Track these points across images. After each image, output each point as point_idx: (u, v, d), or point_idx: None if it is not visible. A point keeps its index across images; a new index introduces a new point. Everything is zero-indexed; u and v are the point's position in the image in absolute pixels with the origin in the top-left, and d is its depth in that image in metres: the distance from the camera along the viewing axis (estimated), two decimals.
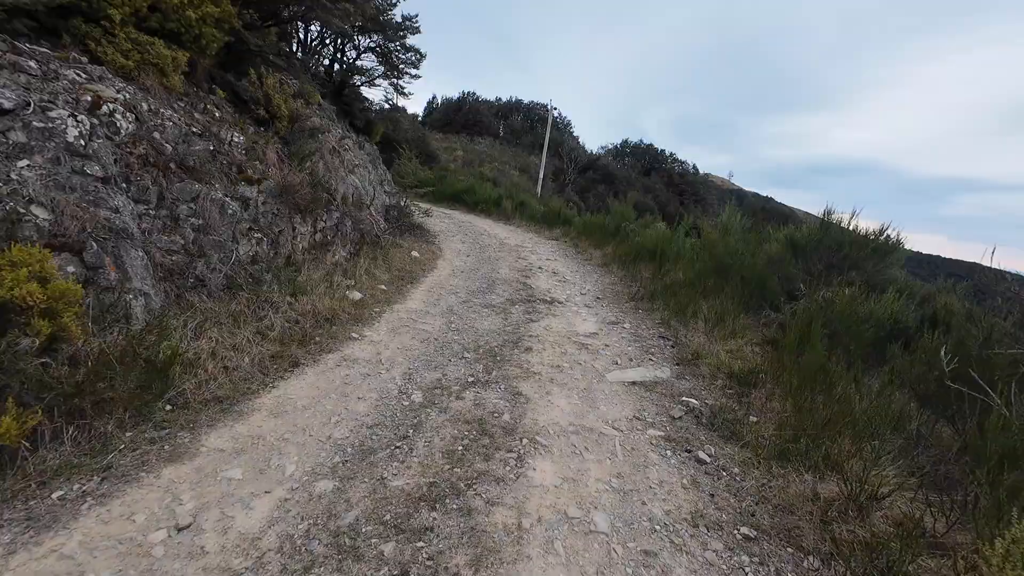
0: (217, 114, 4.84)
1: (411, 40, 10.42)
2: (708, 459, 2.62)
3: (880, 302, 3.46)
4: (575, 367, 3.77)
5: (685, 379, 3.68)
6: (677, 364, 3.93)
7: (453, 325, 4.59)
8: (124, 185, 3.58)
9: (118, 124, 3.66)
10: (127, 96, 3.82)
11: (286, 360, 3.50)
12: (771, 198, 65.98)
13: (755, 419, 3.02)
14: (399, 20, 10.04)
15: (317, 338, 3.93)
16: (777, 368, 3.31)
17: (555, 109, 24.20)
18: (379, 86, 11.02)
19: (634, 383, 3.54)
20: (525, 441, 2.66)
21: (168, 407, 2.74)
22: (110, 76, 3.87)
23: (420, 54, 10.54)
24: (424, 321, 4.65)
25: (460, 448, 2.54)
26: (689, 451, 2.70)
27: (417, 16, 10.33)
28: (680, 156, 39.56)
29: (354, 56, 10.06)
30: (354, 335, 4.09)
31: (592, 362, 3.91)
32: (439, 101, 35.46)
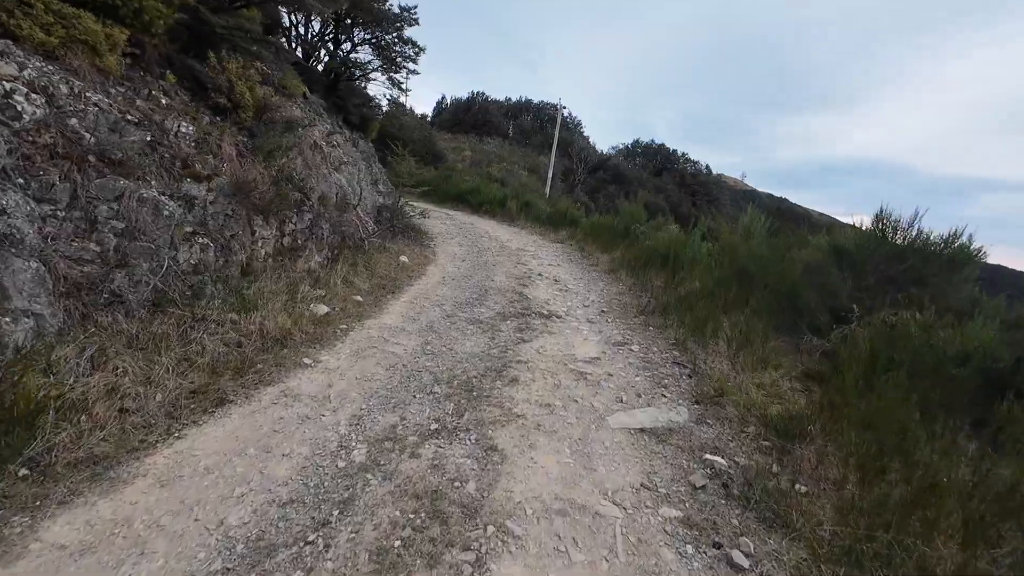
0: (164, 101, 4.17)
1: (409, 32, 9.73)
2: (746, 563, 1.84)
3: (966, 331, 2.65)
4: (569, 406, 3.01)
5: (707, 424, 2.89)
6: (696, 402, 3.14)
7: (429, 346, 3.85)
8: (21, 181, 2.92)
9: (18, 107, 2.99)
10: (32, 75, 3.15)
11: (210, 396, 2.80)
12: (785, 199, 64.25)
13: (804, 489, 2.23)
14: (396, 11, 9.36)
15: (259, 365, 3.22)
16: (829, 417, 2.51)
17: (565, 108, 23.40)
18: (375, 80, 10.35)
19: (642, 430, 2.77)
20: (491, 530, 1.91)
21: (24, 471, 2.05)
22: (15, 51, 3.22)
23: (418, 47, 9.85)
24: (396, 341, 3.92)
25: (397, 544, 1.80)
26: (718, 546, 1.93)
27: (416, 7, 9.64)
28: (692, 156, 38.41)
29: (348, 48, 9.41)
30: (307, 360, 3.38)
31: (591, 398, 3.14)
32: (448, 101, 34.84)
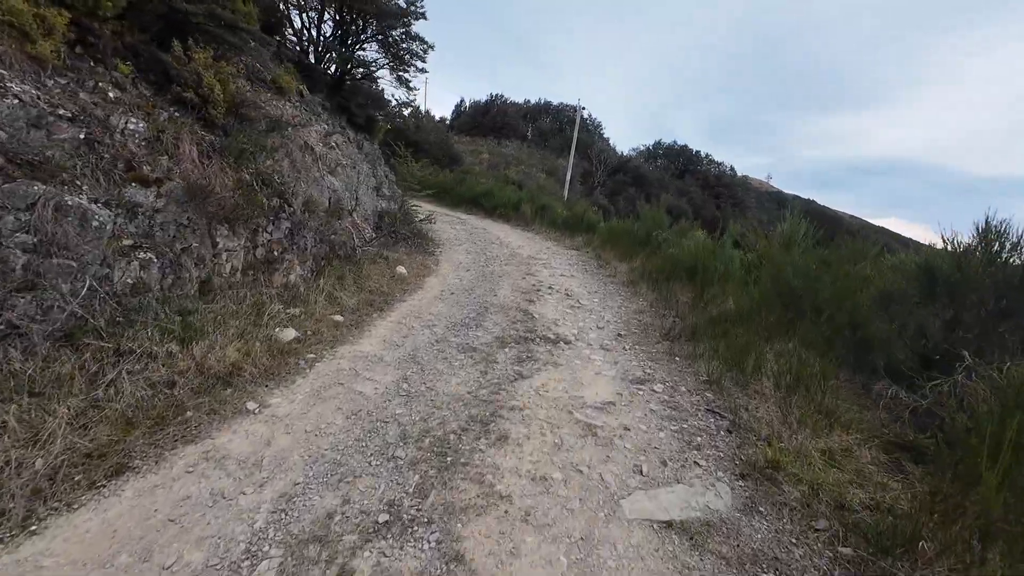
0: (113, 95, 3.60)
1: (416, 28, 9.11)
2: None
3: None
4: (571, 479, 2.26)
5: (759, 516, 2.10)
6: (741, 476, 2.34)
7: (407, 384, 3.15)
8: None
9: None
10: None
11: (108, 461, 2.15)
12: (813, 200, 61.64)
13: None
14: (402, 4, 8.74)
15: (190, 412, 2.57)
16: (949, 525, 1.69)
17: (584, 109, 22.53)
18: (382, 79, 9.76)
19: (670, 524, 2.00)
20: None
21: None
22: None
23: (427, 44, 9.20)
24: (369, 376, 3.24)
25: None
26: None
27: (423, 1, 9.01)
28: (716, 157, 36.92)
29: (351, 43, 8.82)
30: (251, 405, 2.72)
31: (601, 466, 2.38)
32: (467, 105, 34.35)
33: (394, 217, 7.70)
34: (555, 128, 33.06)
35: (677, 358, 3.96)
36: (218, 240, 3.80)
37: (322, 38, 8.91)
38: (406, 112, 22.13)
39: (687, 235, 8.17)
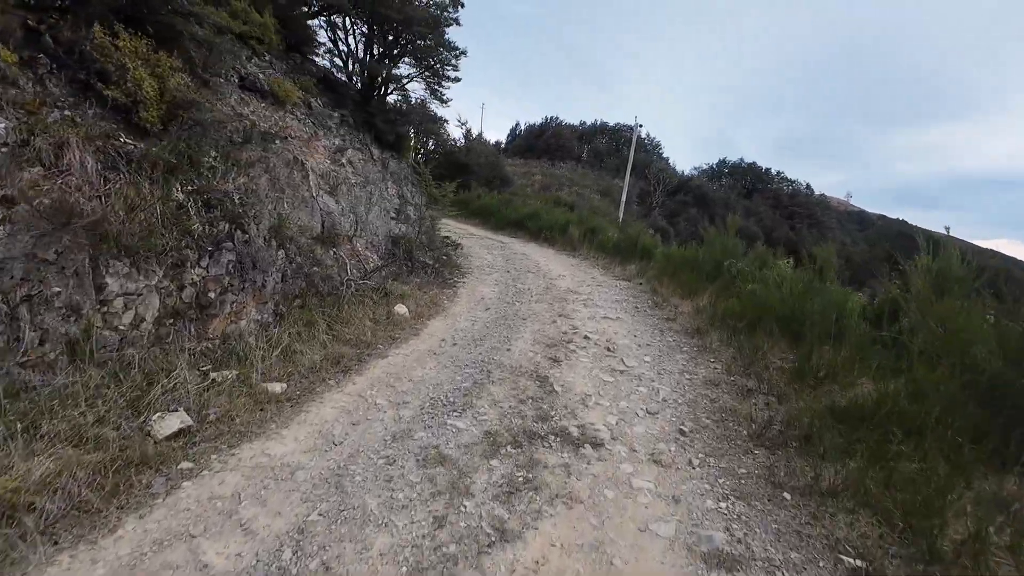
0: None
1: (448, 35, 8.09)
2: None
3: None
4: None
5: None
6: None
7: (292, 551, 1.76)
8: None
9: None
10: None
11: None
12: (904, 221, 54.29)
13: None
14: (433, 10, 7.77)
15: None
16: None
17: (641, 127, 20.78)
18: (413, 92, 8.81)
19: None
20: None
21: None
22: None
23: (458, 50, 8.15)
24: (247, 519, 1.88)
25: None
26: None
27: (456, 9, 7.99)
28: (788, 175, 33.19)
29: (380, 58, 7.94)
30: None
31: None
32: (522, 128, 33.66)
33: (410, 243, 6.52)
34: (611, 148, 31.37)
35: (786, 495, 2.23)
36: (107, 281, 2.69)
37: (351, 52, 8.10)
38: (457, 134, 21.55)
39: (769, 265, 6.24)
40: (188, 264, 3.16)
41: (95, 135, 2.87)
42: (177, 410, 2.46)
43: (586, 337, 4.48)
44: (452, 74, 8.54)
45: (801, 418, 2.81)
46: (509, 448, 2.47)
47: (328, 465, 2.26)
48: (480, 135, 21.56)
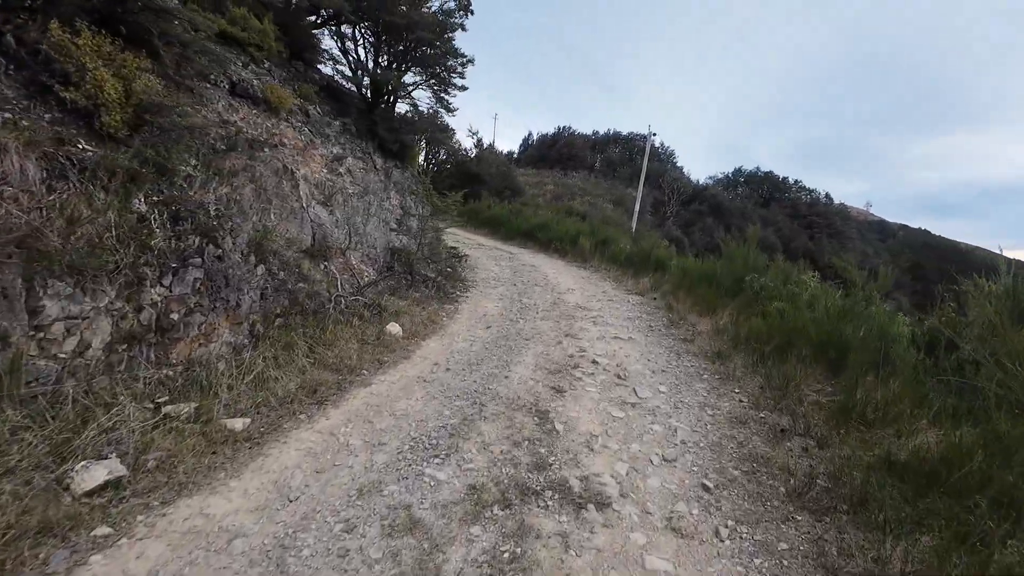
0: None
1: (455, 42, 7.81)
2: None
3: None
4: None
5: None
6: None
7: None
8: None
9: None
10: None
11: None
12: (926, 230, 52.33)
13: None
14: (438, 15, 7.50)
15: None
16: None
17: (655, 135, 20.29)
18: (419, 101, 8.53)
19: None
20: None
21: None
22: None
23: (465, 57, 7.86)
24: None
25: None
26: None
27: (464, 12, 7.72)
28: (807, 184, 32.19)
29: (386, 63, 7.69)
30: None
31: None
32: (534, 138, 33.43)
33: (411, 255, 6.16)
34: (624, 157, 30.89)
35: None
36: (44, 303, 2.35)
37: (359, 62, 7.87)
38: (468, 143, 21.34)
39: (795, 281, 5.70)
40: (147, 283, 2.82)
41: (41, 140, 2.56)
42: (108, 457, 2.09)
43: (594, 361, 4.03)
44: (459, 82, 8.27)
45: (850, 472, 2.31)
46: (496, 509, 2.04)
47: (275, 531, 1.85)
48: (491, 145, 21.34)
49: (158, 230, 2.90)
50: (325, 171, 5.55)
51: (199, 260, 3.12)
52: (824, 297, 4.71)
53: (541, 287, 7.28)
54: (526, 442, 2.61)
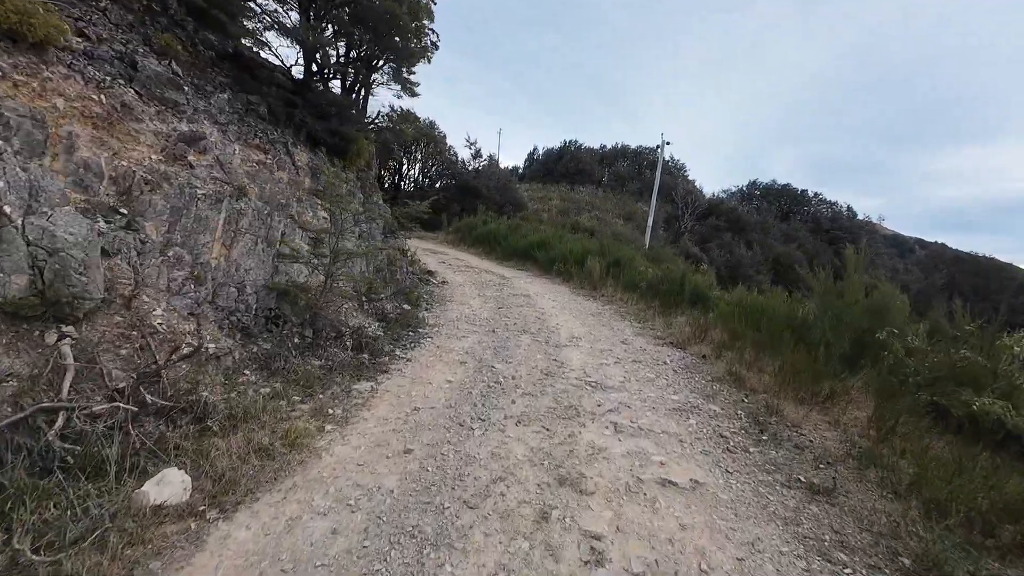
0: None
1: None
2: None
3: None
4: None
5: None
6: None
7: None
8: None
9: None
10: None
11: None
12: (944, 244, 48.48)
13: None
14: None
15: None
16: None
17: (668, 143, 17.78)
18: (383, 85, 6.16)
19: None
20: None
21: None
22: None
23: (427, 28, 5.50)
24: None
25: None
26: None
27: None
28: (827, 197, 29.23)
29: (319, 27, 5.35)
30: None
31: None
32: (540, 152, 31.17)
33: (312, 298, 3.65)
34: (633, 172, 28.39)
35: None
36: None
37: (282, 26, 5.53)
38: (466, 154, 19.02)
39: (983, 345, 3.04)
40: None
41: None
42: None
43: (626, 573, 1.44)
44: (419, 56, 5.88)
45: None
46: None
47: None
48: (492, 156, 19.04)
49: None
50: (155, 156, 3.14)
51: None
52: None
53: (532, 335, 4.72)
54: None
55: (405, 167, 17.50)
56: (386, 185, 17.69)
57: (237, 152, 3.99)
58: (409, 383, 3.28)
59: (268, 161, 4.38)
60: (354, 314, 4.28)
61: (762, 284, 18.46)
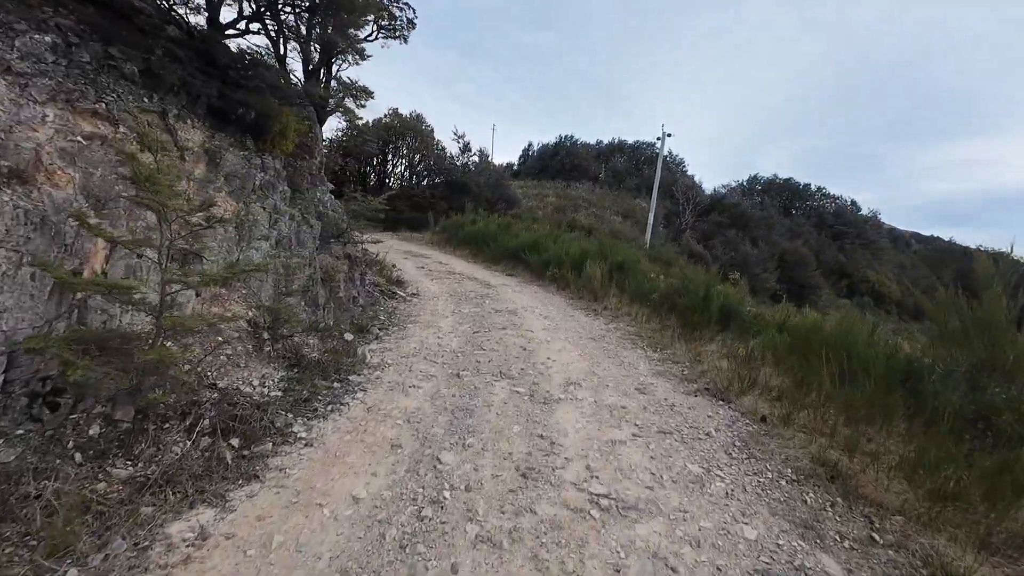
0: None
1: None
2: None
3: None
4: None
5: None
6: None
7: None
8: None
9: None
10: None
11: None
12: (939, 238, 47.08)
13: None
14: None
15: None
16: None
17: (670, 135, 16.26)
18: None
19: None
20: None
21: None
22: None
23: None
24: None
25: None
26: None
27: None
28: (829, 191, 27.72)
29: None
30: None
31: None
32: (535, 148, 29.59)
33: (111, 355, 2.17)
34: (631, 167, 26.86)
35: None
36: None
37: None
38: (454, 148, 17.36)
39: None
40: None
41: None
42: None
43: None
44: (370, 9, 4.36)
45: None
46: None
47: None
48: (483, 151, 17.50)
49: None
50: None
51: None
52: None
53: (511, 381, 3.25)
54: None
55: (390, 163, 15.96)
56: (370, 183, 16.16)
57: (48, 119, 2.50)
58: (282, 510, 1.80)
59: (116, 136, 2.88)
60: (244, 362, 2.79)
61: (768, 282, 17.00)
